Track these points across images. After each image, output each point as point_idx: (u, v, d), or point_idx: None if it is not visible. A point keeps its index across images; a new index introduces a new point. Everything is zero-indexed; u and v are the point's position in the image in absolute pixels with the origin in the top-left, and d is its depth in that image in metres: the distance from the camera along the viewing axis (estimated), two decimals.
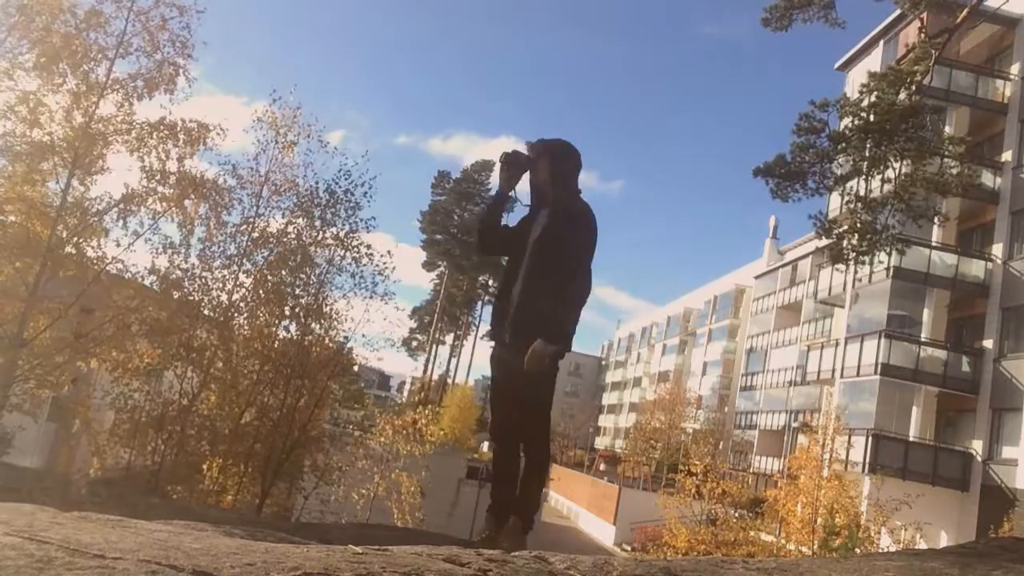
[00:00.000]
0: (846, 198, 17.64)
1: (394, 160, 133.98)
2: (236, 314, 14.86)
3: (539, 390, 3.62)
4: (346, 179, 15.25)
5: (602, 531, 39.89)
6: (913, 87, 16.32)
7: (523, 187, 3.81)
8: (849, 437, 25.07)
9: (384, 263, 15.65)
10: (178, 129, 12.09)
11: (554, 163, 3.75)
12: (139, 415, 13.42)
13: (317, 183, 15.41)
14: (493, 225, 3.90)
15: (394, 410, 19.35)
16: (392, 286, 17.11)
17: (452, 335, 72.73)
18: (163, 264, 13.14)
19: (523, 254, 3.65)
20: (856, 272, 19.80)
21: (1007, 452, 23.39)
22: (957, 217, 25.52)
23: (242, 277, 14.90)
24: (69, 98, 11.45)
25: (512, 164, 3.78)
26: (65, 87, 11.41)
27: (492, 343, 3.85)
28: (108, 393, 13.18)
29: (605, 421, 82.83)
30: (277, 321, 15.35)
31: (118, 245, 12.18)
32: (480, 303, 71.81)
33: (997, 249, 25.48)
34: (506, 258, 3.90)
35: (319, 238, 15.23)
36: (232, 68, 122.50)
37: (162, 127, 12.00)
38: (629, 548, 33.62)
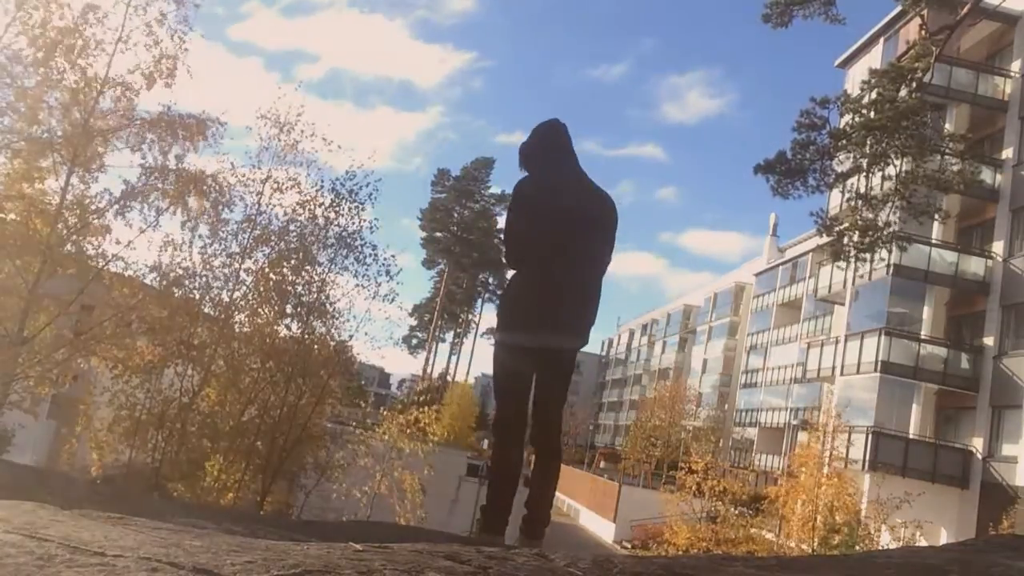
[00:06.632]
0: (846, 195, 17.67)
1: None
2: (237, 312, 14.84)
3: (567, 383, 3.57)
4: (351, 180, 15.23)
5: (602, 528, 39.93)
6: (914, 84, 16.32)
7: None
8: (849, 434, 25.10)
9: (388, 263, 15.60)
10: (177, 125, 12.06)
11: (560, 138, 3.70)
12: (139, 412, 13.39)
13: (321, 183, 15.38)
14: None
15: (398, 408, 19.28)
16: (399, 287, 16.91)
17: (452, 333, 72.86)
18: (165, 261, 13.12)
19: (553, 227, 3.34)
20: (856, 269, 19.82)
21: (1007, 449, 23.41)
22: (957, 214, 25.54)
23: (243, 275, 14.87)
24: (68, 94, 11.41)
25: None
26: (63, 83, 11.37)
27: (504, 331, 3.50)
28: (108, 390, 13.16)
29: (605, 418, 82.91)
30: (279, 319, 15.31)
31: (118, 242, 12.16)
32: (480, 300, 71.89)
33: (997, 246, 25.50)
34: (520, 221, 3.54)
35: (321, 236, 15.21)
36: None
37: (161, 122, 11.97)
38: (629, 545, 33.66)
